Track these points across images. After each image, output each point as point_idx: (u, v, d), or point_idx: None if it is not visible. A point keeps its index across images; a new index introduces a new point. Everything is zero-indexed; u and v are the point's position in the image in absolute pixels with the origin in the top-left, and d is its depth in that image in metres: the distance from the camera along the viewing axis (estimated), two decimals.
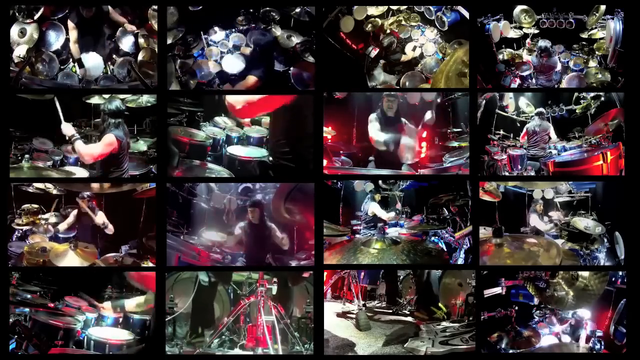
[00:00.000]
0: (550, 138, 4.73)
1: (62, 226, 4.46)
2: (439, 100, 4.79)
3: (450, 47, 4.54)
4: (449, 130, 4.98)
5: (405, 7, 4.61)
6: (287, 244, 4.43)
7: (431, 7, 4.54)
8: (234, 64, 4.50)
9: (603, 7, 4.32)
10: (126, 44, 4.51)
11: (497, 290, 4.15)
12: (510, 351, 3.99)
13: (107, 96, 4.29)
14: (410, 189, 5.14)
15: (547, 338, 4.08)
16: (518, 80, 4.50)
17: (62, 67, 4.40)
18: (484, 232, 4.23)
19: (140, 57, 4.42)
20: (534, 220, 4.73)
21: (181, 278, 4.35)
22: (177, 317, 4.22)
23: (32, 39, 4.41)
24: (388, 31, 4.58)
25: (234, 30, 4.62)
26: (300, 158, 4.05)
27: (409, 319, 4.66)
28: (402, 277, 4.99)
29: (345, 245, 4.35)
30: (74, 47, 4.45)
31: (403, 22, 4.62)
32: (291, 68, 4.48)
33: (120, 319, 4.14)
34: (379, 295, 5.05)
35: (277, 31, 4.59)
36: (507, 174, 4.63)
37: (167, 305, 4.07)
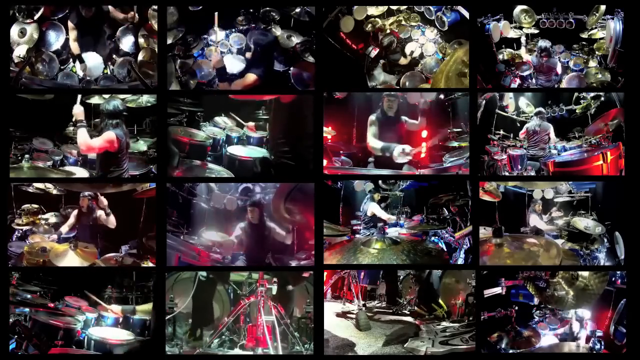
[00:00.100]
0: (550, 139, 4.73)
1: (64, 228, 4.46)
2: (425, 107, 4.76)
3: (450, 47, 4.54)
4: (449, 130, 4.98)
5: (405, 7, 4.61)
6: (290, 238, 4.43)
7: (431, 7, 4.54)
8: (234, 64, 4.50)
9: (603, 7, 4.32)
10: (126, 44, 4.51)
11: (497, 290, 4.15)
12: (510, 351, 3.99)
13: (107, 96, 4.29)
14: (410, 189, 5.14)
15: (547, 338, 4.08)
16: (518, 80, 4.50)
17: (62, 67, 4.41)
18: (484, 232, 4.23)
19: (140, 57, 4.42)
20: (533, 220, 4.73)
21: (181, 278, 4.35)
22: (177, 317, 4.22)
23: (32, 39, 4.41)
24: (388, 31, 4.58)
25: (234, 30, 4.62)
26: (300, 158, 4.05)
27: (409, 319, 4.66)
28: (402, 277, 4.99)
29: (345, 245, 4.35)
30: (73, 45, 4.45)
31: (403, 22, 4.62)
32: (291, 68, 4.48)
33: (121, 319, 4.14)
34: (379, 295, 5.05)
35: (277, 31, 4.59)
36: (507, 174, 4.63)
37: (167, 305, 4.07)
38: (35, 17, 4.40)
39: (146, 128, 4.74)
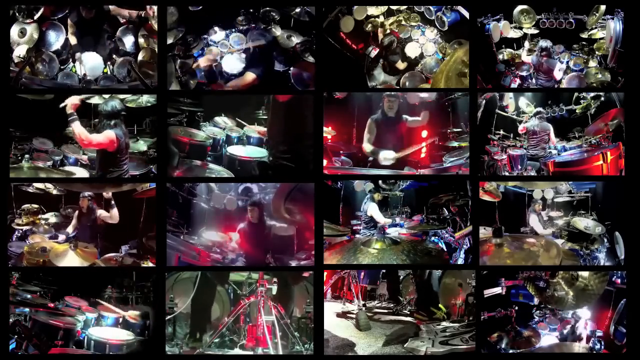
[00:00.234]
0: (549, 139, 4.72)
1: (70, 229, 4.47)
2: (429, 100, 4.76)
3: (450, 47, 4.54)
4: (449, 130, 4.98)
5: (405, 7, 4.61)
6: (291, 230, 4.43)
7: (431, 7, 4.53)
8: (234, 64, 4.50)
9: (603, 7, 4.32)
10: (126, 44, 4.51)
11: (497, 290, 4.15)
12: (510, 351, 3.99)
13: (107, 96, 4.29)
14: (410, 189, 5.14)
15: (547, 338, 4.08)
16: (518, 80, 4.50)
17: (62, 67, 4.40)
18: (484, 232, 4.23)
19: (140, 57, 4.42)
20: (533, 220, 4.73)
21: (181, 278, 4.35)
22: (177, 317, 4.22)
23: (32, 39, 4.40)
24: (388, 31, 4.58)
25: (234, 30, 4.62)
26: (298, 158, 4.05)
27: (409, 318, 4.66)
28: (402, 277, 4.99)
29: (345, 245, 4.35)
30: (72, 38, 4.44)
31: (403, 22, 4.62)
32: (291, 68, 4.48)
33: (120, 319, 4.15)
34: (379, 295, 5.05)
35: (277, 31, 4.59)
36: (507, 174, 4.63)
37: (167, 305, 4.07)
38: (35, 17, 4.40)
39: (146, 128, 4.74)
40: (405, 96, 4.74)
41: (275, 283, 4.19)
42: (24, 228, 4.45)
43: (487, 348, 4.02)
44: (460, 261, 4.51)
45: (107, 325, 4.12)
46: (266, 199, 4.62)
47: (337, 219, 4.92)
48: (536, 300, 4.23)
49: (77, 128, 3.91)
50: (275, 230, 4.51)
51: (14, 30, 4.37)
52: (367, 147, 4.67)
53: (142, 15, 4.43)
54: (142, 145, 4.66)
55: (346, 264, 4.20)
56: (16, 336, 3.82)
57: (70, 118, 3.91)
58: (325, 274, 4.50)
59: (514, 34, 4.56)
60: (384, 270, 5.00)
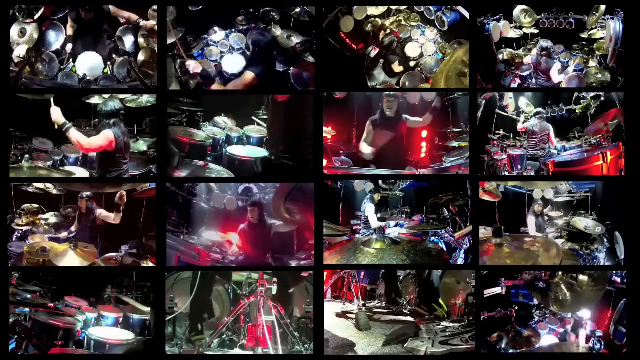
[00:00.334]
0: (549, 140, 4.72)
1: (73, 228, 4.48)
2: (438, 105, 4.76)
3: (450, 47, 4.54)
4: (449, 130, 4.98)
5: (405, 7, 4.61)
6: (291, 226, 4.44)
7: (431, 7, 4.54)
8: (233, 64, 4.49)
9: (603, 7, 4.32)
10: (126, 43, 4.51)
11: (497, 290, 4.15)
12: (510, 351, 3.99)
13: (107, 96, 4.30)
14: (410, 189, 5.14)
15: (547, 338, 4.08)
16: (518, 80, 4.50)
17: (62, 67, 4.40)
18: (484, 232, 4.23)
19: (140, 57, 4.42)
20: (530, 222, 4.73)
21: (181, 278, 4.35)
22: (177, 317, 4.22)
23: (32, 39, 4.41)
24: (388, 31, 4.59)
25: (234, 30, 4.62)
26: (298, 157, 4.05)
27: (409, 318, 4.66)
28: (402, 277, 4.99)
29: (345, 245, 4.35)
30: (69, 30, 4.44)
31: (403, 22, 4.62)
32: (291, 68, 4.48)
33: (120, 319, 4.15)
34: (379, 295, 5.05)
35: (277, 31, 4.59)
36: (507, 174, 4.63)
37: (167, 305, 4.08)
38: (35, 17, 4.40)
39: (146, 128, 4.74)
40: (405, 96, 4.74)
41: (275, 283, 4.19)
42: (24, 228, 4.45)
43: (487, 348, 4.02)
44: (460, 261, 4.51)
45: (107, 325, 4.12)
46: (266, 199, 4.62)
47: (337, 219, 4.92)
48: (536, 300, 4.23)
49: (74, 135, 3.90)
50: (276, 228, 4.50)
51: (14, 30, 4.38)
52: (365, 147, 4.68)
53: (139, 23, 4.44)
54: (142, 145, 4.66)
55: (346, 264, 4.20)
56: (16, 336, 3.81)
57: (65, 128, 3.88)
58: (325, 274, 4.50)
59: (514, 34, 4.56)
60: (383, 271, 5.00)
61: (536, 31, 4.54)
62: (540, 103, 4.82)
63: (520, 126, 4.83)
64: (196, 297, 4.30)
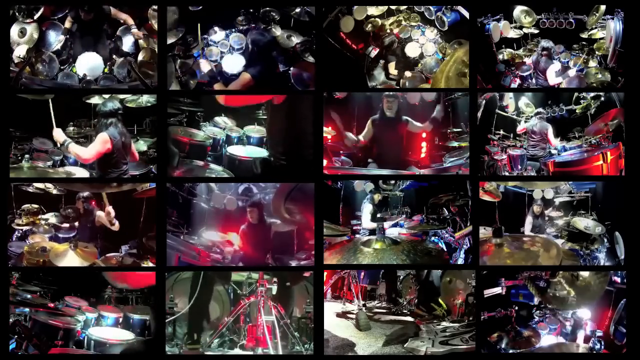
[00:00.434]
0: (547, 139, 4.72)
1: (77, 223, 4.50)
2: (438, 116, 4.75)
3: (450, 47, 4.54)
4: (449, 130, 4.99)
5: (405, 7, 4.61)
6: (292, 226, 4.44)
7: (431, 7, 4.54)
8: (234, 64, 4.49)
9: (603, 7, 4.33)
10: (126, 44, 4.51)
11: (497, 290, 4.15)
12: (510, 351, 3.99)
13: (107, 96, 4.30)
14: (410, 189, 5.14)
15: (547, 338, 4.08)
16: (518, 80, 4.50)
17: (62, 67, 4.40)
18: (484, 232, 4.23)
19: (140, 57, 4.42)
20: (527, 222, 4.73)
21: (181, 278, 4.35)
22: (177, 317, 4.22)
23: (32, 39, 4.41)
24: (388, 31, 4.59)
25: (234, 30, 4.62)
26: (296, 159, 4.04)
27: (409, 318, 4.66)
28: (402, 277, 4.99)
29: (345, 245, 4.35)
30: (67, 23, 4.44)
31: (403, 22, 4.62)
32: (291, 68, 4.48)
33: (120, 319, 4.15)
34: (379, 295, 5.05)
35: (277, 31, 4.59)
36: (507, 174, 4.63)
37: (167, 305, 4.07)
38: (35, 17, 4.40)
39: (146, 128, 4.74)
40: (405, 96, 4.74)
41: (275, 283, 4.19)
42: (24, 228, 4.45)
43: (487, 348, 4.02)
44: (460, 261, 4.51)
45: (107, 325, 4.12)
46: (266, 199, 4.62)
47: (337, 219, 4.93)
48: (536, 300, 4.23)
49: (73, 149, 3.96)
50: (276, 227, 4.50)
51: (14, 30, 4.38)
52: (349, 135, 4.67)
53: (131, 29, 4.45)
54: (142, 145, 4.65)
55: (346, 264, 4.20)
56: (16, 336, 3.81)
57: (65, 145, 3.96)
58: (325, 274, 4.50)
59: (514, 34, 4.56)
60: (383, 270, 5.00)
61: (536, 31, 4.54)
62: (540, 103, 4.82)
63: (519, 128, 4.83)
64: (195, 302, 4.30)
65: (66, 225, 4.50)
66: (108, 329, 4.09)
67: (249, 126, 4.78)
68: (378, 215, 4.83)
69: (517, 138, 4.86)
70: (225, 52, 4.58)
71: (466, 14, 4.37)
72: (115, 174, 4.04)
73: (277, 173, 4.31)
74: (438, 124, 4.76)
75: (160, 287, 3.98)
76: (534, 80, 4.50)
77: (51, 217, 4.52)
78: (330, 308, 4.71)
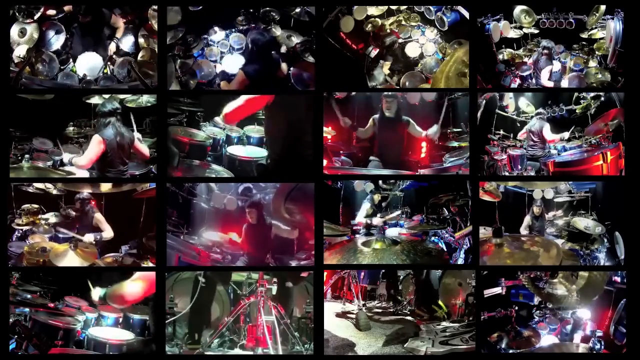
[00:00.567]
0: (543, 137, 4.72)
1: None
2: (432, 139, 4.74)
3: (450, 47, 4.54)
4: (449, 130, 4.99)
5: (405, 7, 4.61)
6: (294, 233, 4.44)
7: (431, 7, 4.54)
8: (234, 64, 4.49)
9: (603, 7, 4.33)
10: (126, 44, 4.51)
11: (497, 290, 4.15)
12: (510, 351, 3.99)
13: (107, 96, 4.30)
14: (410, 189, 5.14)
15: (547, 338, 4.08)
16: (518, 80, 4.50)
17: (62, 67, 4.40)
18: (484, 232, 4.23)
19: (140, 57, 4.42)
20: (525, 222, 4.74)
21: (181, 278, 4.35)
22: (177, 318, 4.22)
23: (32, 39, 4.41)
24: (388, 31, 4.59)
25: (234, 30, 4.62)
26: (295, 160, 4.03)
27: (409, 318, 4.66)
28: (402, 277, 4.99)
29: (345, 245, 4.35)
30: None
31: (403, 22, 4.62)
32: (291, 68, 4.47)
33: (120, 319, 4.15)
34: (379, 295, 5.05)
35: (277, 31, 4.59)
36: (507, 174, 4.63)
37: (167, 306, 4.07)
38: (35, 17, 4.40)
39: (146, 128, 4.73)
40: (405, 96, 4.74)
41: (275, 283, 4.19)
42: (24, 228, 4.45)
43: (487, 348, 4.02)
44: (460, 261, 4.51)
45: (107, 325, 4.12)
46: (266, 199, 4.62)
47: (337, 219, 4.93)
48: (536, 300, 4.23)
49: (77, 161, 4.04)
50: (278, 231, 4.50)
51: (14, 30, 4.37)
52: (345, 119, 4.68)
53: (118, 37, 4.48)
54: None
55: (346, 264, 4.20)
56: (16, 336, 3.81)
57: (72, 161, 4.06)
58: (325, 274, 4.50)
59: (514, 34, 4.56)
60: (383, 270, 5.00)
61: (536, 31, 4.55)
62: (539, 103, 4.82)
63: (520, 133, 4.84)
64: (195, 305, 4.30)
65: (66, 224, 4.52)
66: (108, 329, 4.08)
67: (249, 126, 4.79)
68: (379, 215, 4.84)
69: (517, 138, 4.86)
70: (225, 52, 4.58)
71: (466, 14, 4.37)
72: (112, 173, 4.05)
73: (275, 173, 4.31)
74: (433, 145, 4.80)
75: (160, 287, 3.98)
76: (533, 80, 4.49)
77: (51, 217, 4.52)
78: (330, 308, 4.71)
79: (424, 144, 4.82)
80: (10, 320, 3.86)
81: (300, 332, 4.19)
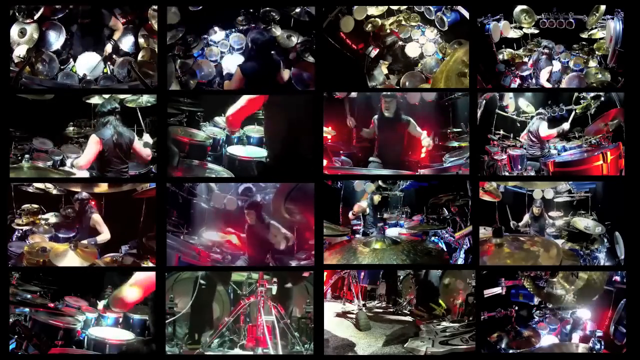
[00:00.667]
0: (539, 135, 4.72)
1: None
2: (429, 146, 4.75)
3: (450, 47, 4.54)
4: (449, 130, 4.98)
5: (405, 7, 4.61)
6: (291, 240, 4.44)
7: (431, 7, 4.54)
8: (234, 64, 4.49)
9: (603, 7, 4.32)
10: (126, 44, 4.51)
11: (497, 290, 4.15)
12: (510, 351, 3.99)
13: (107, 96, 4.31)
14: (410, 189, 5.14)
15: (547, 338, 4.08)
16: (518, 80, 4.50)
17: (62, 67, 4.40)
18: (484, 232, 4.23)
19: (140, 57, 4.42)
20: (524, 220, 4.75)
21: (181, 278, 4.35)
22: (177, 317, 4.22)
23: (32, 39, 4.41)
24: (388, 31, 4.59)
25: (234, 30, 4.62)
26: (294, 160, 4.03)
27: (409, 318, 4.66)
28: (402, 277, 4.99)
29: (345, 245, 4.35)
30: None
31: (403, 22, 4.62)
32: (291, 68, 4.47)
33: (120, 319, 4.14)
34: (379, 295, 5.05)
35: (277, 31, 4.59)
36: (507, 174, 4.63)
37: (167, 306, 4.07)
38: (35, 17, 4.40)
39: (146, 128, 4.74)
40: (405, 96, 4.74)
41: (275, 283, 4.19)
42: (24, 228, 4.45)
43: (487, 348, 4.02)
44: (460, 261, 4.51)
45: (107, 325, 4.11)
46: (266, 199, 4.62)
47: (337, 219, 4.93)
48: (536, 300, 4.23)
49: (77, 162, 4.08)
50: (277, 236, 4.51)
51: (14, 30, 4.37)
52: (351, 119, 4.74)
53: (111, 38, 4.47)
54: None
55: (346, 264, 4.20)
56: (16, 336, 3.81)
57: (72, 162, 4.14)
58: (325, 274, 4.50)
59: (514, 34, 4.56)
60: (383, 270, 5.00)
61: (536, 31, 4.54)
62: (540, 103, 4.82)
63: (522, 134, 4.84)
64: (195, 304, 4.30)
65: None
66: (108, 329, 4.08)
67: (249, 126, 4.78)
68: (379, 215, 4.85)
69: (517, 138, 4.86)
70: (225, 52, 4.58)
71: (466, 14, 4.37)
72: (112, 173, 4.05)
73: (275, 173, 4.31)
74: (432, 107, 4.81)
75: (161, 287, 3.98)
76: (533, 80, 4.50)
77: (51, 217, 4.53)
78: (330, 308, 4.71)
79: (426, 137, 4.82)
80: (10, 320, 3.86)
81: (300, 332, 4.19)
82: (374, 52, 4.54)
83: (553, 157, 4.62)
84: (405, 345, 4.11)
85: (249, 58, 4.33)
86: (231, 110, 4.06)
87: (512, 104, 4.91)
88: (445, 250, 4.59)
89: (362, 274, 5.06)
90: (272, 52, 4.32)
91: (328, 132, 4.67)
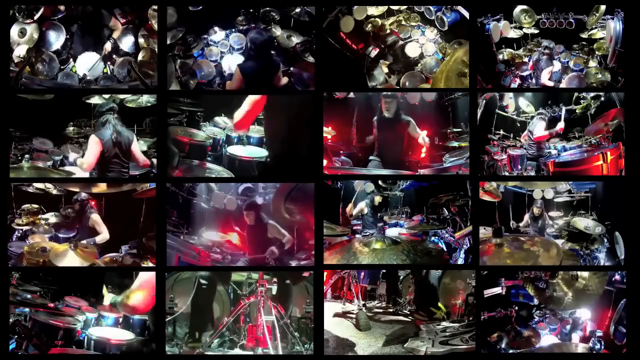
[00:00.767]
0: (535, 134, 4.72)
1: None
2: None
3: (450, 47, 4.54)
4: (449, 130, 4.98)
5: (405, 7, 4.61)
6: (289, 243, 4.44)
7: (431, 7, 4.54)
8: (233, 64, 4.49)
9: (603, 7, 4.33)
10: (126, 44, 4.51)
11: (497, 290, 4.15)
12: (510, 351, 3.99)
13: (107, 96, 4.31)
14: (410, 189, 5.14)
15: (547, 338, 4.08)
16: (518, 80, 4.50)
17: (62, 67, 4.40)
18: (484, 232, 4.23)
19: (140, 57, 4.42)
20: (524, 220, 4.74)
21: (181, 278, 4.35)
22: (177, 317, 4.22)
23: (32, 39, 4.40)
24: (388, 31, 4.59)
25: (234, 30, 4.62)
26: (293, 159, 4.03)
27: (409, 318, 4.66)
28: (402, 277, 4.99)
29: (345, 245, 4.35)
30: None
31: (403, 22, 4.62)
32: (291, 68, 4.47)
33: (120, 319, 4.14)
34: (379, 295, 5.04)
35: (277, 31, 4.59)
36: (507, 174, 4.63)
37: (167, 305, 4.07)
38: (35, 17, 4.40)
39: (146, 128, 4.74)
40: (405, 96, 4.74)
41: (275, 283, 4.19)
42: (24, 228, 4.45)
43: (487, 348, 4.02)
44: (460, 261, 4.51)
45: (107, 325, 4.11)
46: (266, 199, 4.62)
47: (337, 219, 4.92)
48: (536, 300, 4.23)
49: (80, 164, 4.09)
50: (276, 237, 4.51)
51: (14, 30, 4.37)
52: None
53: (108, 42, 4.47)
54: (142, 145, 4.65)
55: (346, 264, 4.20)
56: (16, 336, 3.81)
57: (76, 161, 4.18)
58: (325, 274, 4.50)
59: (514, 34, 4.56)
60: (384, 270, 5.00)
61: (536, 31, 4.54)
62: (540, 103, 4.82)
63: (523, 135, 4.84)
64: (195, 304, 4.29)
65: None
66: (108, 329, 4.08)
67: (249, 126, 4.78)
68: (378, 215, 4.85)
69: (517, 138, 4.86)
70: (225, 52, 4.58)
71: (466, 14, 4.37)
72: (113, 172, 4.05)
73: (275, 172, 4.30)
74: (432, 108, 4.83)
75: (160, 287, 3.98)
76: (533, 80, 4.49)
77: (51, 217, 4.53)
78: (330, 308, 4.71)
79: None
80: (10, 320, 3.86)
81: (300, 332, 4.19)
82: (374, 52, 4.54)
83: (553, 157, 4.61)
84: (405, 345, 4.11)
85: (248, 58, 4.33)
86: (238, 115, 4.02)
87: (512, 104, 4.91)
88: (445, 250, 4.59)
89: (362, 274, 5.06)
90: (272, 52, 4.32)
91: (328, 132, 4.67)
